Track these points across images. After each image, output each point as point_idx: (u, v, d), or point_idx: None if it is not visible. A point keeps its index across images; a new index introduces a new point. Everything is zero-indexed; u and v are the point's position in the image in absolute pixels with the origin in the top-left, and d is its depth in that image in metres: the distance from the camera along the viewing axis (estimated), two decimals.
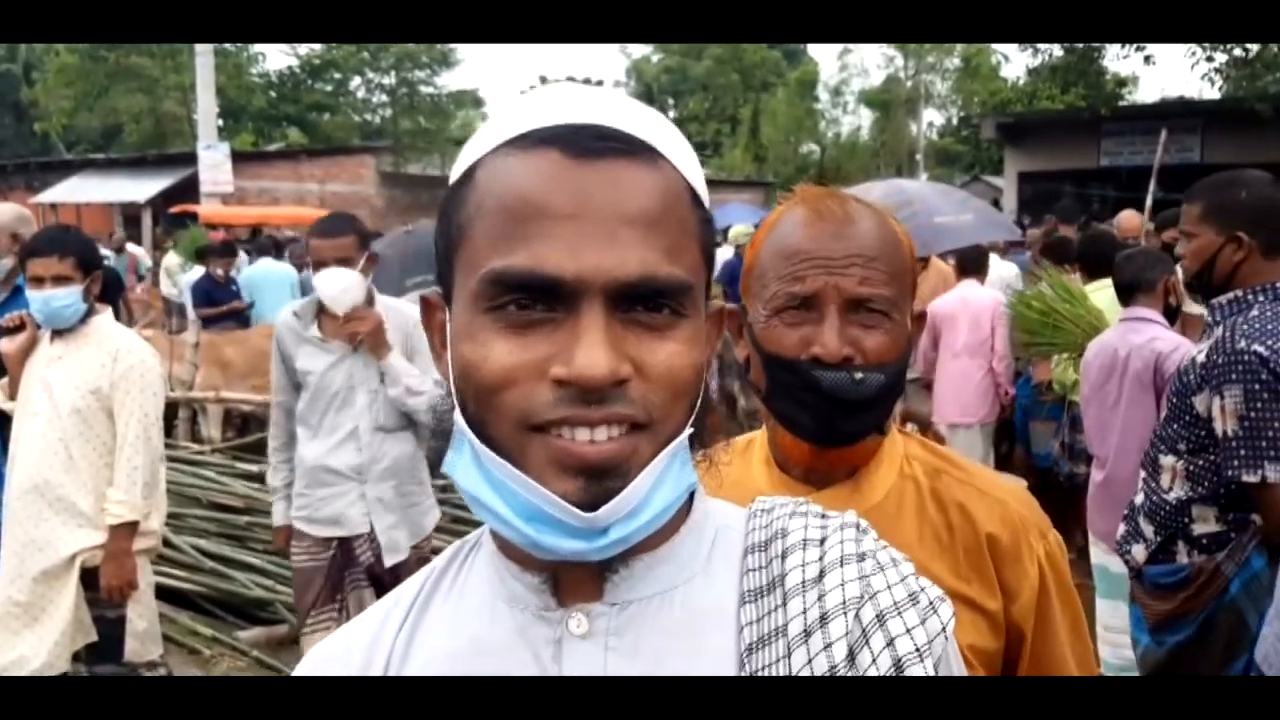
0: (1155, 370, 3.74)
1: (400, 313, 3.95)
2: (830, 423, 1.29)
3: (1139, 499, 2.88)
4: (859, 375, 1.26)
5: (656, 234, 0.77)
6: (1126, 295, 4.08)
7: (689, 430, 0.82)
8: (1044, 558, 1.33)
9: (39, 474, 3.67)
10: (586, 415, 0.75)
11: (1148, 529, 2.81)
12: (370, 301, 3.85)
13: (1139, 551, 2.83)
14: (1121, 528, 2.94)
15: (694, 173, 0.84)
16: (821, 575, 0.83)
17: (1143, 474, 2.90)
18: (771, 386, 1.33)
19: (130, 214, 24.04)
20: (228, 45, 28.94)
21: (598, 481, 0.75)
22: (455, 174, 0.85)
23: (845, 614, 0.81)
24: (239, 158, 21.96)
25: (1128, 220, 7.97)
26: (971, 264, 6.20)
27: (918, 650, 0.79)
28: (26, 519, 3.67)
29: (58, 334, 3.77)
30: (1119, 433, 3.86)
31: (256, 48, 34.21)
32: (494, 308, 0.77)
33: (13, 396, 3.92)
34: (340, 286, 3.73)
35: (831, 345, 1.26)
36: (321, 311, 3.90)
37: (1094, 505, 4.03)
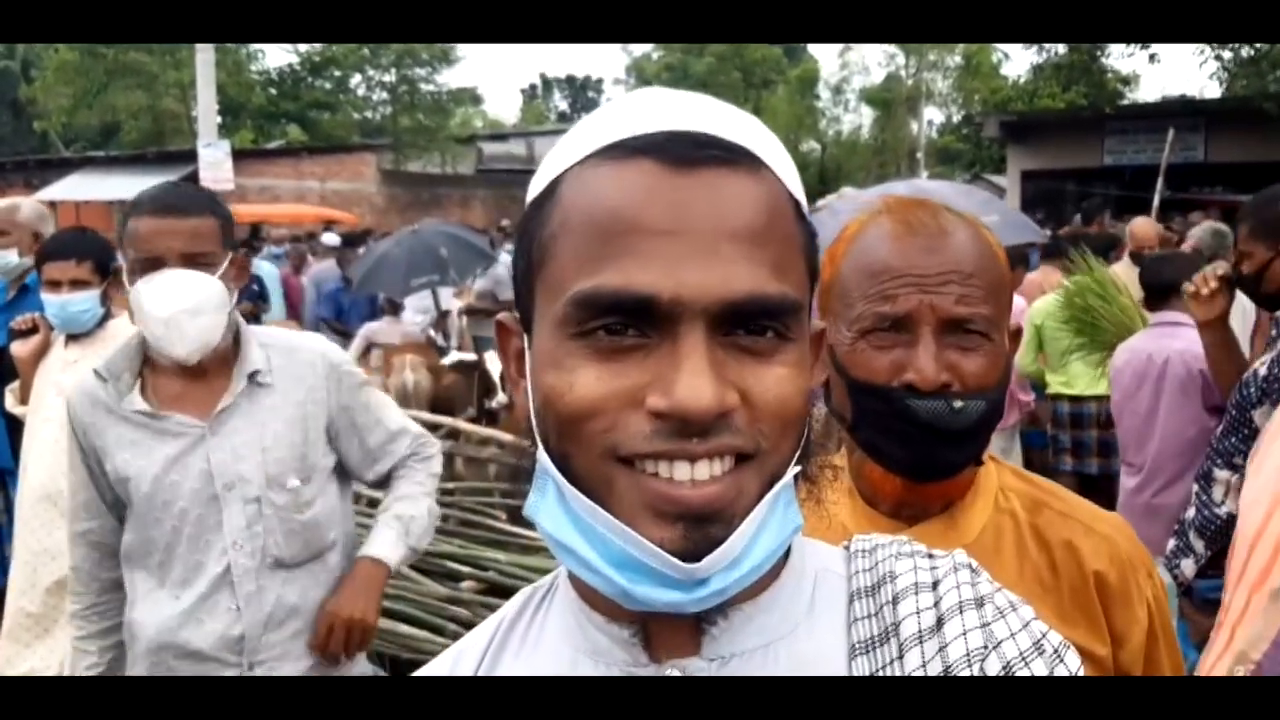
0: (1204, 376, 3.68)
1: (306, 352, 2.37)
2: (927, 455, 1.20)
3: (1190, 513, 2.83)
4: (958, 403, 1.18)
5: (762, 249, 0.70)
6: (1160, 298, 4.01)
7: (795, 468, 0.75)
8: (1152, 600, 1.26)
9: (51, 481, 3.58)
10: (687, 449, 0.68)
11: (1198, 544, 2.76)
12: (237, 339, 2.29)
13: (1188, 566, 2.78)
14: (1171, 542, 2.88)
15: (795, 183, 0.77)
16: (940, 624, 0.76)
17: (1195, 487, 2.84)
18: (859, 415, 1.24)
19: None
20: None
21: (699, 528, 0.68)
22: (536, 188, 0.78)
23: (970, 667, 0.74)
24: (239, 155, 21.76)
25: (1142, 228, 7.51)
26: (1010, 264, 5.89)
27: None
28: (39, 527, 3.59)
29: (72, 338, 3.68)
30: (1158, 440, 3.80)
31: (256, 44, 34.11)
32: (581, 333, 0.70)
33: (24, 401, 3.85)
34: (185, 303, 2.12)
35: (928, 371, 1.17)
36: (148, 363, 2.28)
37: (1126, 513, 3.95)
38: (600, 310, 0.69)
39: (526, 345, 0.78)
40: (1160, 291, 4.02)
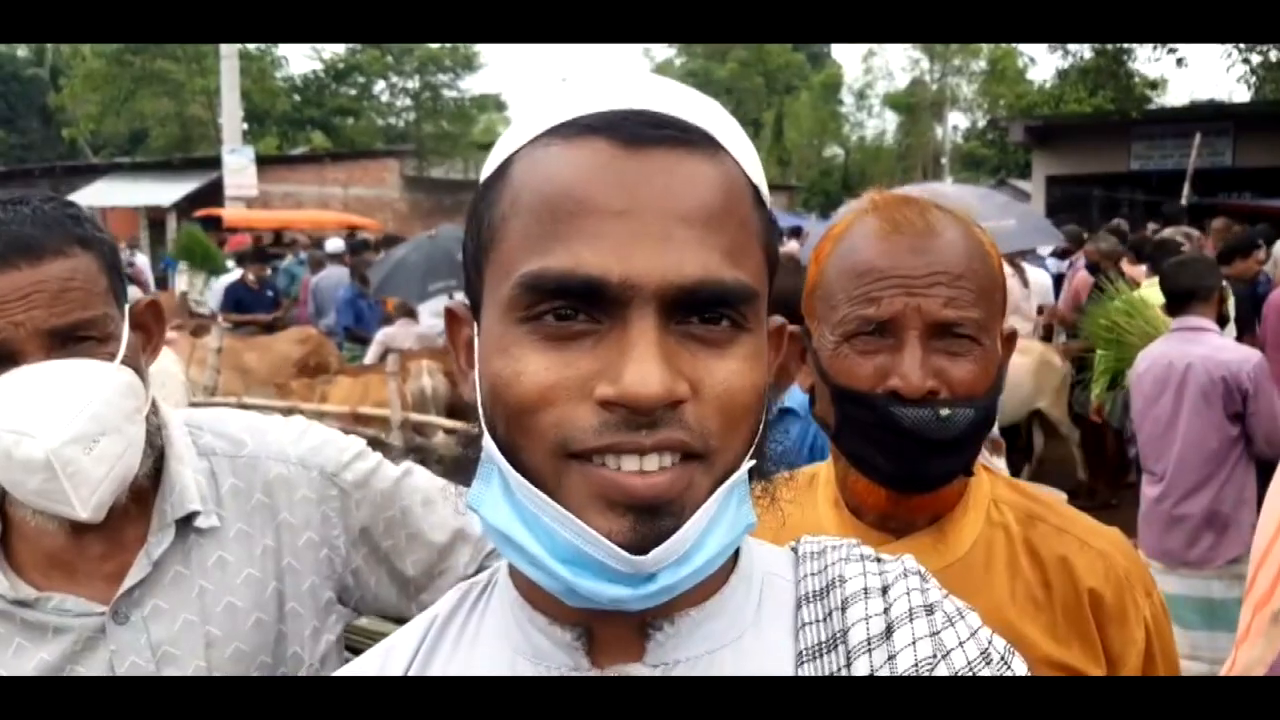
0: (1226, 383, 3.59)
1: (277, 463, 1.43)
2: (911, 465, 1.14)
3: None
4: (945, 411, 1.12)
5: (716, 233, 0.68)
6: (1182, 303, 3.92)
7: (749, 463, 0.72)
8: (1150, 619, 1.20)
9: None
10: (636, 441, 0.65)
11: None
12: (157, 449, 1.36)
13: None
14: None
15: (755, 169, 0.74)
16: (889, 631, 0.74)
17: None
18: (842, 423, 1.19)
19: (156, 217, 24.12)
20: (252, 49, 29.12)
21: (648, 519, 0.66)
22: (488, 169, 0.75)
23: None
24: (263, 161, 22.00)
25: None
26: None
27: None
28: None
29: None
30: (1179, 448, 3.72)
31: (280, 51, 34.45)
32: (529, 317, 0.67)
33: None
34: (74, 427, 1.20)
35: (913, 377, 1.11)
36: (5, 506, 1.32)
37: (1146, 523, 3.88)
38: (548, 293, 0.67)
39: (476, 334, 0.75)
40: (1181, 297, 3.94)
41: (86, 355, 1.24)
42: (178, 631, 1.32)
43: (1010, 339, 1.24)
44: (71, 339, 1.23)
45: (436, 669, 0.81)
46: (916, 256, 1.14)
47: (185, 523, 1.35)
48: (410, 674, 0.81)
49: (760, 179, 0.75)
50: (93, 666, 1.30)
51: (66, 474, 1.19)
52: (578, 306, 0.67)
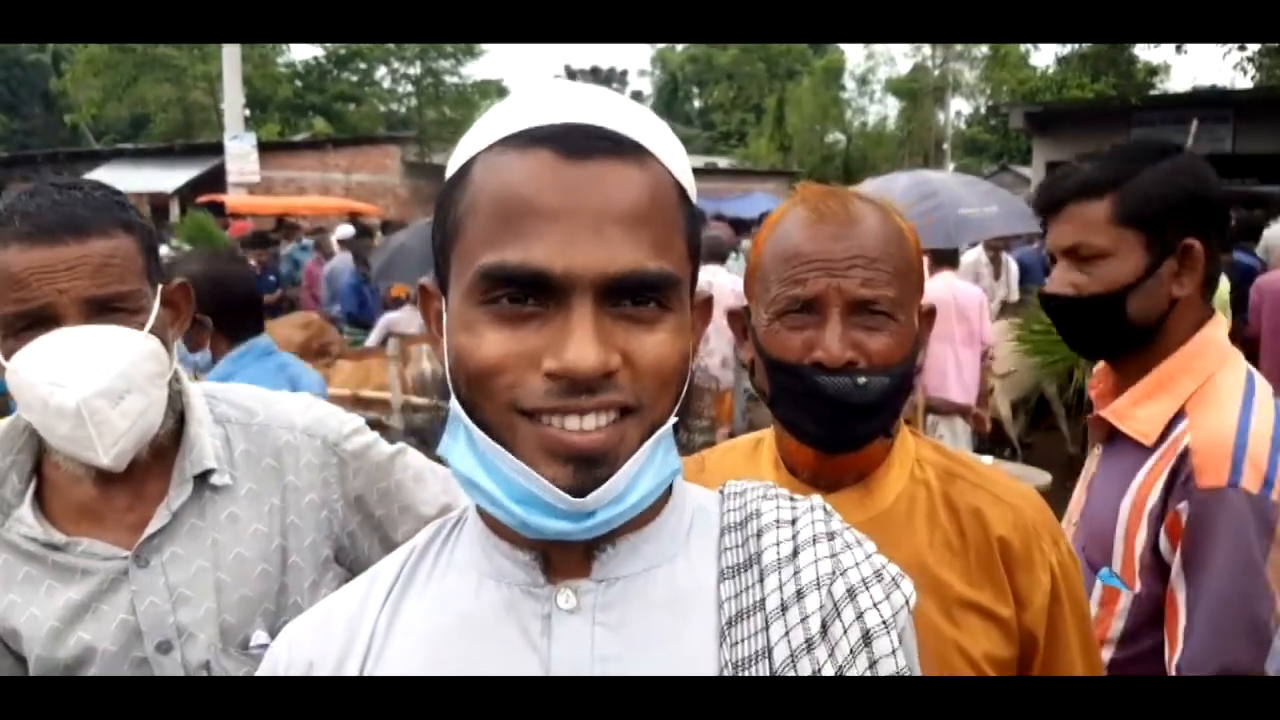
0: None
1: (285, 431, 1.61)
2: (833, 428, 1.29)
3: None
4: (862, 379, 1.26)
5: (643, 230, 0.81)
6: None
7: (674, 419, 0.87)
8: (1056, 565, 1.32)
9: None
10: (577, 404, 0.80)
11: None
12: (180, 417, 1.55)
13: None
14: None
15: (682, 170, 0.88)
16: (796, 553, 0.90)
17: None
18: (775, 391, 1.33)
19: (158, 204, 24.22)
20: None
21: (587, 469, 0.80)
22: (452, 168, 0.89)
23: (819, 589, 0.88)
24: (265, 148, 22.02)
25: None
26: (945, 256, 6.10)
27: (884, 623, 0.86)
28: None
29: None
30: None
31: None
32: (487, 300, 0.82)
33: None
34: (102, 380, 1.37)
35: (833, 349, 1.26)
36: (43, 462, 1.53)
37: None
38: (503, 281, 0.81)
39: (444, 308, 0.89)
40: None
41: (119, 324, 1.41)
42: (192, 576, 1.49)
43: (930, 315, 1.38)
44: (107, 309, 1.40)
45: (415, 590, 0.95)
46: (837, 242, 1.28)
47: (202, 480, 1.52)
48: (396, 590, 0.95)
49: (687, 179, 0.89)
50: (116, 605, 1.47)
51: (94, 422, 1.37)
52: (528, 293, 0.81)
